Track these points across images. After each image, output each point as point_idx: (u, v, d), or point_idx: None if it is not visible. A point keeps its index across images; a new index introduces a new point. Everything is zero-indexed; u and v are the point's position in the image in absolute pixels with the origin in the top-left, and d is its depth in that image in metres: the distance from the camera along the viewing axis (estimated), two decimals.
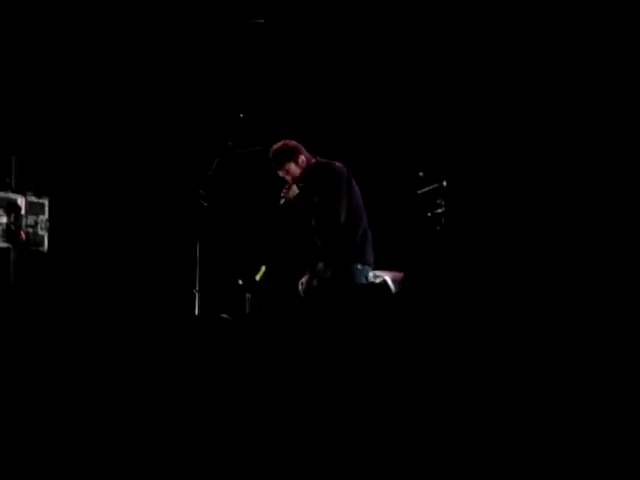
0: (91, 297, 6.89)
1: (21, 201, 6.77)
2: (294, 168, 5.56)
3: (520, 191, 6.54)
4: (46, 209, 6.97)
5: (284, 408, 3.61)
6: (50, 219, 6.97)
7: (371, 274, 5.73)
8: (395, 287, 5.71)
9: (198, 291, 6.27)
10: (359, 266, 5.62)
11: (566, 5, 6.27)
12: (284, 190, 5.60)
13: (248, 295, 6.30)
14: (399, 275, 5.80)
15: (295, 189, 5.56)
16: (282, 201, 5.63)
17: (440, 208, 6.34)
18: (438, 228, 6.34)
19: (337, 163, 5.65)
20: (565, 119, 6.33)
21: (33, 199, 6.88)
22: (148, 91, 7.43)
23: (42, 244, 6.93)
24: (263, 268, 6.17)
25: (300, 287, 5.92)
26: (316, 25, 6.98)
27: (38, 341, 5.35)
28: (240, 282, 6.46)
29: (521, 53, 6.48)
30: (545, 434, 3.10)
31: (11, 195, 6.74)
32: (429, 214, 6.41)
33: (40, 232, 6.90)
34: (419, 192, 6.49)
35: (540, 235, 6.34)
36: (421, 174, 6.49)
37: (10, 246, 6.68)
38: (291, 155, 5.57)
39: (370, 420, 3.36)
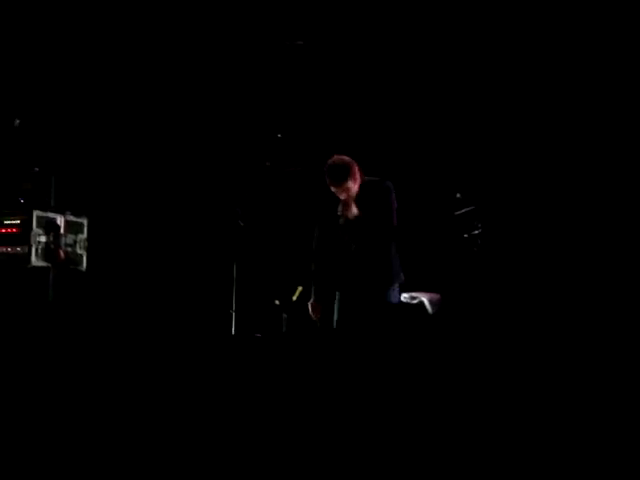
0: (129, 316, 6.92)
1: (60, 220, 6.83)
2: (352, 186, 5.13)
3: (556, 213, 6.50)
4: (85, 228, 7.03)
5: (315, 426, 3.59)
6: (89, 238, 7.03)
7: (407, 295, 5.64)
8: (432, 308, 5.67)
9: (235, 311, 6.27)
10: (397, 287, 5.50)
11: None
12: (342, 209, 5.19)
13: (285, 315, 6.28)
14: (436, 296, 5.76)
15: (355, 209, 5.14)
16: (342, 220, 5.22)
17: (477, 230, 6.31)
18: (475, 249, 6.31)
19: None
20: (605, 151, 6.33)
21: (72, 218, 6.94)
22: (188, 112, 7.48)
23: (80, 263, 6.98)
24: (300, 288, 6.15)
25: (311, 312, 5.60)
26: (355, 47, 6.99)
27: (76, 359, 5.39)
28: (277, 302, 6.47)
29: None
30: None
31: (50, 214, 6.80)
32: (466, 235, 6.38)
33: (79, 251, 6.95)
34: (456, 213, 6.46)
35: (576, 256, 6.30)
36: (458, 195, 6.46)
37: (49, 265, 6.73)
38: (351, 172, 5.12)
39: (404, 441, 3.34)
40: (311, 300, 5.52)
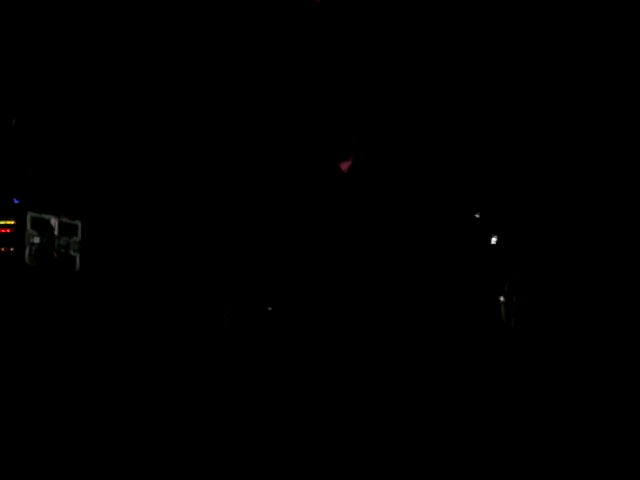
0: (121, 318, 6.89)
1: (54, 222, 6.82)
2: None
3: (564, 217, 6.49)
4: (79, 231, 7.02)
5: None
6: (82, 241, 7.01)
7: None
8: None
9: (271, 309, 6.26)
10: None
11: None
12: None
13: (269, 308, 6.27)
14: None
15: None
16: None
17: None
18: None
19: None
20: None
21: (66, 220, 6.93)
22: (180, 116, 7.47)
23: (74, 265, 6.96)
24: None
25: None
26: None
27: (69, 361, 5.37)
28: (270, 309, 6.47)
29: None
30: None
31: (45, 216, 6.79)
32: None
33: (72, 253, 6.94)
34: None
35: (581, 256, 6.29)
36: (477, 216, 6.45)
37: (42, 266, 6.72)
38: None
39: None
40: None
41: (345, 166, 5.28)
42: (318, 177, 5.80)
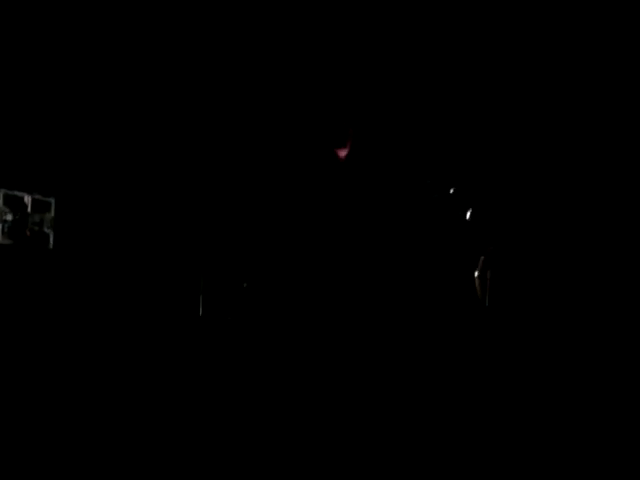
0: (95, 296, 6.87)
1: (27, 199, 6.77)
2: None
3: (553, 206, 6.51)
4: (52, 207, 6.97)
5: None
6: (56, 218, 6.97)
7: None
8: None
9: (246, 286, 6.27)
10: None
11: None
12: None
13: (245, 284, 6.28)
14: None
15: None
16: None
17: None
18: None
19: None
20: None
21: (39, 197, 6.88)
22: (156, 90, 7.42)
23: (47, 243, 6.92)
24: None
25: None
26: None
27: (40, 339, 5.34)
28: (245, 285, 6.45)
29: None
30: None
31: (17, 193, 6.73)
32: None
33: (46, 230, 6.89)
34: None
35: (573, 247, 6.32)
36: (451, 191, 6.45)
37: (15, 244, 6.67)
38: None
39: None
40: None
41: (342, 153, 5.41)
42: (313, 161, 5.88)
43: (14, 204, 6.68)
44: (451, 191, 6.28)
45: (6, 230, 6.59)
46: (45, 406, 3.78)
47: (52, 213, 6.97)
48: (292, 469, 2.95)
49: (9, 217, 6.61)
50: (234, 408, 3.74)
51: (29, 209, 6.76)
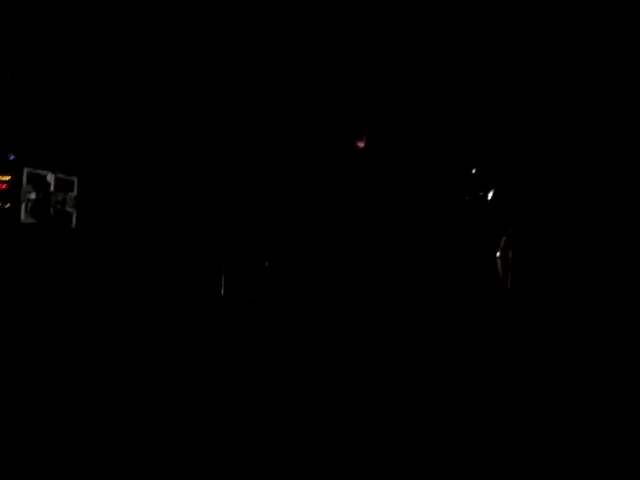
0: (117, 275, 6.90)
1: (50, 178, 6.80)
2: None
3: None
4: (75, 186, 7.00)
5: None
6: (78, 196, 7.00)
7: None
8: None
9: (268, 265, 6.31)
10: None
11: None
12: None
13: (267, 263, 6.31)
14: None
15: None
16: None
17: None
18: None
19: None
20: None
21: (62, 176, 6.91)
22: (165, 77, 7.41)
23: (70, 222, 6.96)
24: None
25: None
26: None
27: (63, 316, 5.38)
28: (267, 264, 6.47)
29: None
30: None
31: (41, 172, 6.76)
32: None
33: (68, 209, 6.93)
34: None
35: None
36: (473, 171, 6.44)
37: (38, 223, 6.71)
38: None
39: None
40: None
41: (361, 144, 5.64)
42: (334, 150, 6.07)
43: (37, 183, 6.71)
44: (473, 171, 6.27)
45: (29, 209, 6.62)
46: (70, 374, 3.83)
47: (75, 192, 6.99)
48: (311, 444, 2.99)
49: (32, 196, 6.65)
50: (255, 386, 3.77)
51: (52, 188, 6.79)
